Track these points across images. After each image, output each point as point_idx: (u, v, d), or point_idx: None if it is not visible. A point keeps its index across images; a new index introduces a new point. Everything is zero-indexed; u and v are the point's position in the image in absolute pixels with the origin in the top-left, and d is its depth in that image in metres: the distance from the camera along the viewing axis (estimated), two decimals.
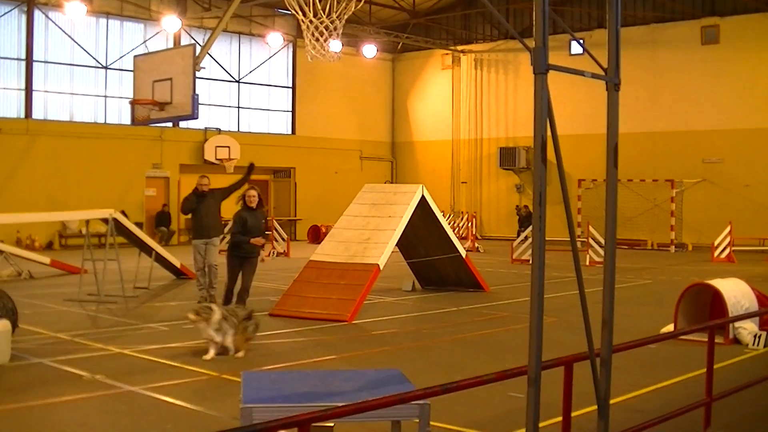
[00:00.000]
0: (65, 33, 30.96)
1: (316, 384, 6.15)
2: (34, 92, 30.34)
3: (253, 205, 14.10)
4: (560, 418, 5.29)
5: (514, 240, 28.10)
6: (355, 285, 14.53)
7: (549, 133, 4.42)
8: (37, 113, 30.47)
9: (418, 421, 5.53)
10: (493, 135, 39.67)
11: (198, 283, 15.41)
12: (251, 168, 15.81)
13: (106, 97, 32.17)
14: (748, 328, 11.92)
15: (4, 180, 28.95)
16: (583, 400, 6.29)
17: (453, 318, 14.85)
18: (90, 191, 29.82)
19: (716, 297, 12.17)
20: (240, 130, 36.39)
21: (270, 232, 29.68)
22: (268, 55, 37.51)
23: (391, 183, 39.33)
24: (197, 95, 15.32)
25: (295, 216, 38.31)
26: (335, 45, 23.59)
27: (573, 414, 5.33)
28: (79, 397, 8.69)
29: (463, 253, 17.98)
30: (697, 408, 6.58)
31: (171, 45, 32.04)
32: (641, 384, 9.28)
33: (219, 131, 35.06)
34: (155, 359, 10.79)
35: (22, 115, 30.01)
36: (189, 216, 16.20)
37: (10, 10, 29.58)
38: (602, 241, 24.16)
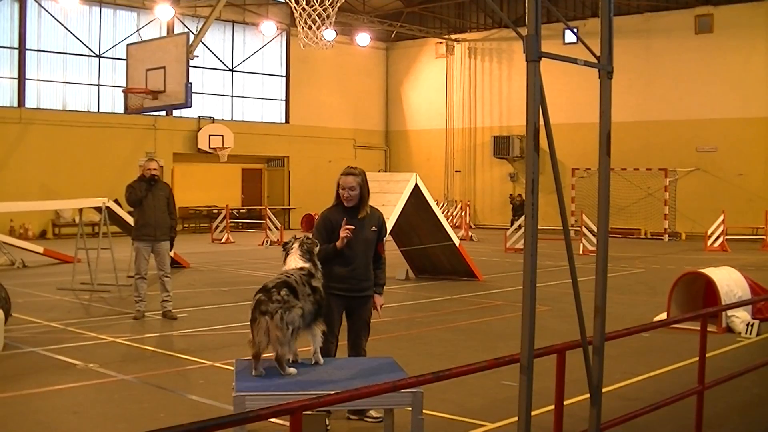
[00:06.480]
0: (58, 21, 30.85)
1: (308, 372, 6.15)
2: (27, 81, 30.25)
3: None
4: (553, 406, 5.29)
5: (508, 229, 28.13)
6: None
7: (542, 121, 4.41)
8: (30, 102, 30.38)
9: (410, 409, 5.54)
10: (487, 124, 39.67)
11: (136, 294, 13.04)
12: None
13: (99, 85, 32.11)
14: (740, 317, 11.96)
15: None
16: (575, 388, 6.30)
17: (446, 306, 14.87)
18: (83, 180, 29.74)
19: (709, 286, 12.20)
20: (233, 118, 36.31)
21: (264, 221, 29.66)
22: (261, 44, 37.41)
23: (385, 172, 39.29)
24: (190, 84, 15.29)
25: (289, 205, 38.28)
26: (328, 33, 23.55)
27: (565, 402, 5.33)
28: (72, 385, 8.68)
29: (457, 241, 18.00)
30: (690, 396, 6.59)
31: (164, 33, 31.89)
32: (634, 372, 9.30)
33: (212, 120, 34.97)
34: (148, 348, 10.79)
35: (15, 104, 29.93)
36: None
37: None
38: (595, 229, 24.20)
